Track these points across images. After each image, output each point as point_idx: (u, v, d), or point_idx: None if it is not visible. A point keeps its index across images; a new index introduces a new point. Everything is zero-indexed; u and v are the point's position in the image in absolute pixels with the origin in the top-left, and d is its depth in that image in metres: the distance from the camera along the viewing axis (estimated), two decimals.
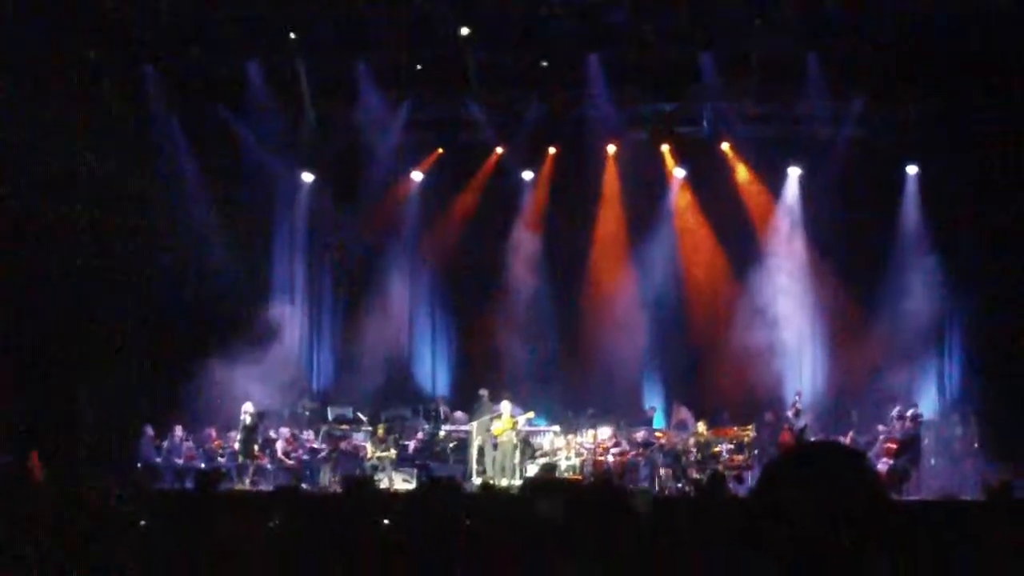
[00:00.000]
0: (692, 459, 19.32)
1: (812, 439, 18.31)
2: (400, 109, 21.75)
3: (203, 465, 19.34)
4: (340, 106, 21.74)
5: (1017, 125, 19.88)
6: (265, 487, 18.83)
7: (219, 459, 19.99)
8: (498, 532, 5.46)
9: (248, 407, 19.69)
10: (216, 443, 20.32)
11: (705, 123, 22.14)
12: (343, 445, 20.09)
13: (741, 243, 22.39)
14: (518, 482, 18.59)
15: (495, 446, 19.61)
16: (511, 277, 22.62)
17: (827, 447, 2.67)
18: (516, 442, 19.64)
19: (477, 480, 18.88)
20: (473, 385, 21.51)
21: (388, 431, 20.21)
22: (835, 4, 19.26)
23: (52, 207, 18.77)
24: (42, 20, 18.13)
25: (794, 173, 22.14)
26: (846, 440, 18.18)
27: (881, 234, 21.58)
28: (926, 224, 21.45)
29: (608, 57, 20.65)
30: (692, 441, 19.71)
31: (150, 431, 19.91)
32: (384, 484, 18.83)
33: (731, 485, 16.60)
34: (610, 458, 19.58)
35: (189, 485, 17.96)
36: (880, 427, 19.20)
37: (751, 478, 18.43)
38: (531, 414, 20.25)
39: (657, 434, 20.26)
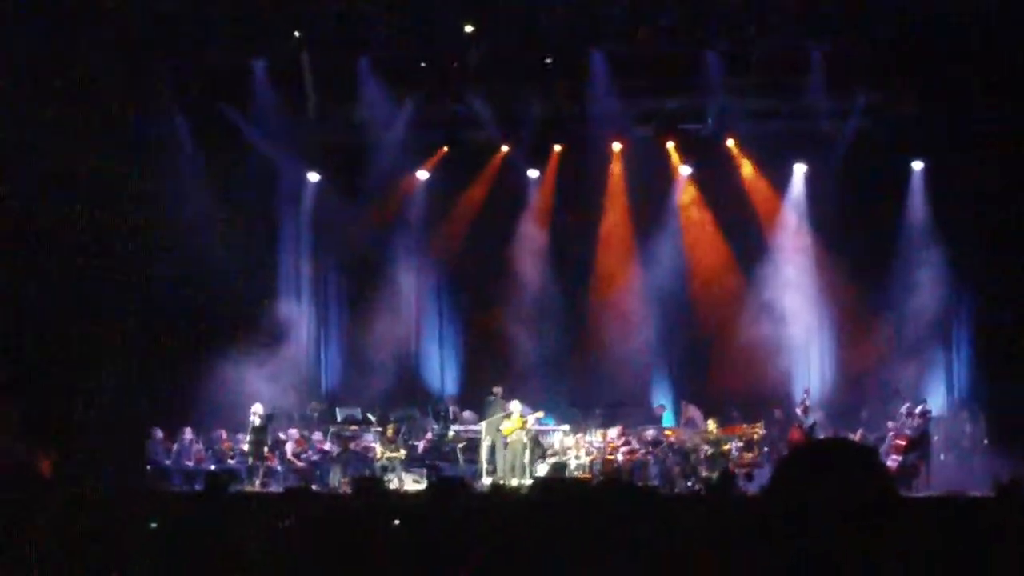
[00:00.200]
0: (702, 457, 19.31)
1: (822, 436, 18.30)
2: (404, 107, 21.75)
3: (213, 467, 19.36)
4: (344, 104, 21.76)
5: (1023, 119, 19.82)
6: (275, 488, 18.84)
7: (229, 461, 20.01)
8: (508, 532, 5.46)
9: (257, 408, 19.70)
10: (226, 445, 20.33)
11: (709, 120, 22.12)
12: (352, 446, 20.10)
13: (747, 239, 22.37)
14: (528, 482, 18.60)
15: (505, 445, 19.61)
16: (518, 276, 22.62)
17: (838, 444, 2.68)
18: (526, 442, 19.62)
19: (487, 480, 18.88)
20: (481, 384, 21.51)
21: (397, 431, 20.21)
22: None
23: (54, 207, 18.77)
24: (42, 19, 18.13)
25: (799, 169, 22.13)
26: (855, 437, 18.18)
27: (887, 229, 21.54)
28: (932, 219, 21.40)
29: (612, 54, 20.64)
30: (701, 439, 19.70)
31: (159, 433, 19.95)
32: (394, 485, 18.83)
33: (741, 483, 16.61)
34: (620, 457, 19.58)
35: (199, 487, 17.99)
36: (889, 424, 19.18)
37: (761, 476, 18.41)
38: (541, 413, 20.25)
39: (666, 432, 20.26)
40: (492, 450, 19.86)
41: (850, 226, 21.38)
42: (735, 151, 22.18)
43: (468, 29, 20.12)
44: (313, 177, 22.99)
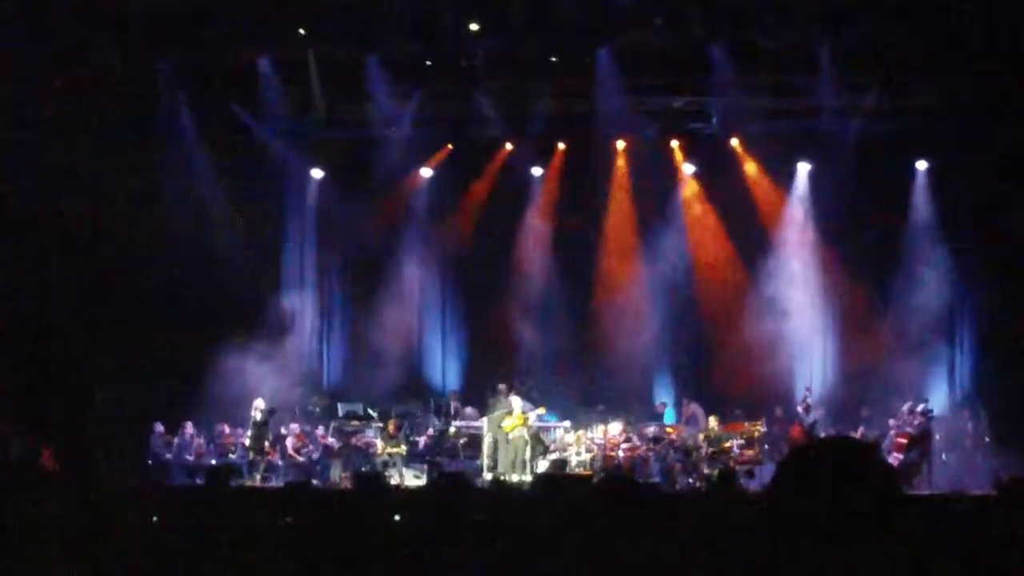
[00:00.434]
0: (703, 454, 19.31)
1: (823, 434, 18.30)
2: (409, 104, 21.75)
3: (214, 461, 19.39)
4: (350, 101, 21.78)
5: None
6: (276, 483, 18.87)
7: (230, 455, 20.02)
8: (509, 527, 5.46)
9: (259, 403, 19.72)
10: (227, 439, 20.35)
11: (714, 119, 22.11)
12: (354, 441, 20.12)
13: (751, 238, 22.37)
14: (529, 478, 18.61)
15: (507, 442, 19.62)
16: (521, 272, 22.65)
17: (839, 442, 2.68)
18: (527, 438, 19.63)
19: (489, 476, 18.89)
20: (483, 380, 21.53)
21: (399, 427, 20.23)
22: None
23: (57, 203, 18.79)
24: (47, 15, 18.15)
25: (804, 168, 22.12)
26: (857, 435, 18.18)
27: (891, 229, 21.54)
28: (936, 218, 21.39)
29: (617, 52, 20.62)
30: (702, 436, 19.71)
31: (160, 427, 19.97)
32: (395, 480, 18.86)
33: (742, 480, 16.60)
34: (620, 454, 19.58)
35: (200, 481, 18.01)
36: (891, 421, 19.18)
37: (762, 473, 18.41)
38: (542, 410, 20.24)
39: (668, 429, 20.26)
40: (494, 446, 19.87)
41: (854, 225, 21.40)
42: (740, 150, 22.19)
43: (474, 27, 20.12)
44: (318, 174, 23.03)
